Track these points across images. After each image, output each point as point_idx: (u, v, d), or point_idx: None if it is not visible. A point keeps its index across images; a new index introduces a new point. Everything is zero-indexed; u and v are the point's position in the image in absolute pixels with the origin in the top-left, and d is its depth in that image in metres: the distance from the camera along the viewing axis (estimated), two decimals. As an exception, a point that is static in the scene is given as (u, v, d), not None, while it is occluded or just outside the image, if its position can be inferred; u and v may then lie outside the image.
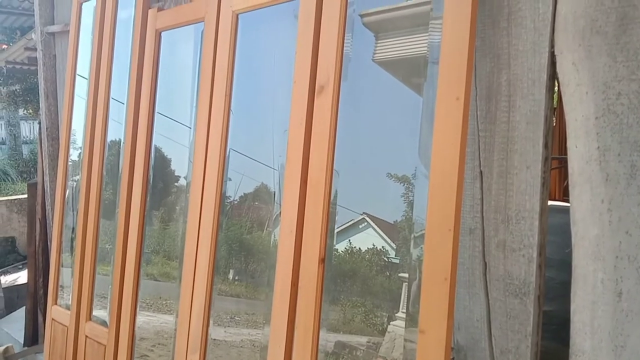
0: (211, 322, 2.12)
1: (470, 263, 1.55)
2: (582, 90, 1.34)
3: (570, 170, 1.37)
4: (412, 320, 1.52)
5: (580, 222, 1.35)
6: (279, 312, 1.80)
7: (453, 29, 1.44)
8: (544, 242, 1.43)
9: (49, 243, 3.69)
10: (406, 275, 1.58)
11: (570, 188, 1.37)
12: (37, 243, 3.86)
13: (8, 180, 13.48)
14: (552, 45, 1.39)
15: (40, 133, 3.72)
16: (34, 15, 3.75)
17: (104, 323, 2.73)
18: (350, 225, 1.76)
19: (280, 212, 1.89)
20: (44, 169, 3.67)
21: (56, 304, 3.15)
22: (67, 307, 3.01)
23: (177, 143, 2.55)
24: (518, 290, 1.45)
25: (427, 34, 1.56)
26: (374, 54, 1.77)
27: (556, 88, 1.47)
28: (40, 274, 3.82)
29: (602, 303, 1.31)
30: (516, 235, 1.45)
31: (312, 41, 1.80)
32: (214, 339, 2.15)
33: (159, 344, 2.48)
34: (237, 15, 2.10)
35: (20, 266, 6.93)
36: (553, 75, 1.41)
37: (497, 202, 1.49)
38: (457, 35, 1.42)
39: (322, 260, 1.72)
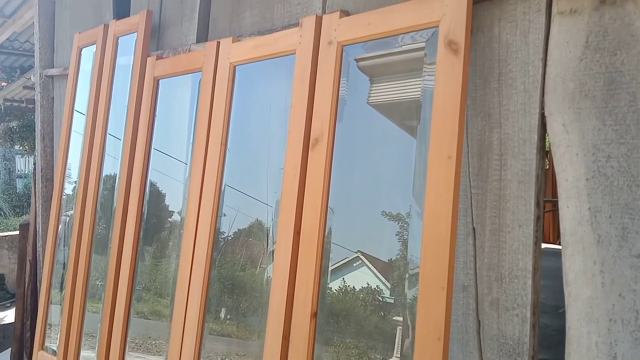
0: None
1: (464, 321, 1.54)
2: (572, 152, 1.36)
3: (562, 230, 1.37)
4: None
5: (573, 283, 1.34)
6: (269, 366, 1.77)
7: (445, 89, 1.47)
8: (537, 302, 1.42)
9: (38, 285, 3.63)
10: (401, 318, 1.57)
11: (562, 248, 1.37)
12: (26, 284, 3.80)
13: (1, 215, 13.39)
14: (542, 107, 1.42)
15: (34, 174, 3.71)
16: (33, 55, 3.80)
17: (91, 370, 2.67)
18: (344, 264, 1.75)
19: (273, 250, 1.88)
20: (37, 210, 3.65)
21: (43, 349, 3.08)
22: (54, 352, 2.94)
23: (171, 178, 2.56)
24: (512, 350, 1.44)
25: (420, 79, 1.59)
26: (369, 96, 1.80)
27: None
28: (28, 317, 3.74)
29: (596, 366, 1.29)
30: (509, 294, 1.45)
31: (307, 95, 1.83)
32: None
33: (146, 387, 2.42)
34: (235, 67, 2.14)
35: (8, 304, 6.78)
36: (544, 136, 1.44)
37: (490, 259, 1.49)
38: (449, 95, 1.45)
39: (314, 315, 1.70)
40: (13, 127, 8.52)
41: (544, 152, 1.45)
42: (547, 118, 1.41)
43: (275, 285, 1.82)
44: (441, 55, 1.49)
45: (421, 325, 1.41)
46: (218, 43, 2.20)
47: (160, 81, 2.54)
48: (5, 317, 6.14)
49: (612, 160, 1.29)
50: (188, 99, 2.47)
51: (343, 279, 1.74)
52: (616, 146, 1.29)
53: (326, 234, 1.74)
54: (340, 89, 1.77)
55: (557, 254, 1.61)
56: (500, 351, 1.45)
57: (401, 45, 1.67)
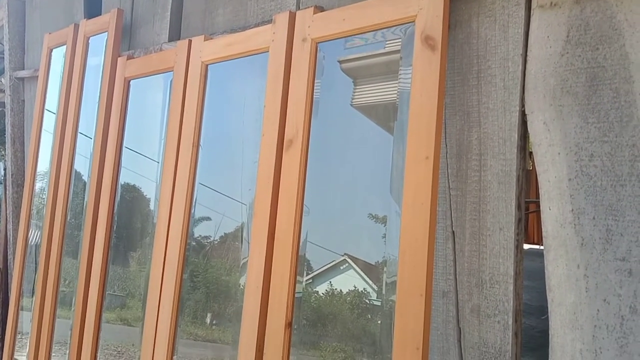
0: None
1: (444, 328, 1.47)
2: (554, 151, 1.30)
3: (544, 233, 1.31)
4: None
5: (556, 289, 1.28)
6: (243, 378, 1.69)
7: (422, 86, 1.40)
8: (519, 308, 1.36)
9: (9, 293, 3.50)
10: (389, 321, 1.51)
11: (545, 252, 1.31)
12: (-3, 294, 3.67)
13: (-22, 222, 13.09)
14: (522, 104, 1.37)
15: (5, 180, 3.58)
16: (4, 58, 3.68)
17: (61, 383, 2.56)
18: (331, 267, 1.70)
19: (248, 254, 1.81)
20: (7, 217, 3.52)
21: (12, 358, 2.96)
22: (24, 363, 2.82)
23: (144, 178, 2.47)
24: (494, 358, 1.37)
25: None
26: (352, 99, 1.75)
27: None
28: (-1, 326, 3.61)
29: (581, 376, 1.23)
30: (491, 300, 1.38)
31: (281, 94, 1.75)
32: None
33: (128, 395, 2.33)
34: (207, 66, 2.06)
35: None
36: (524, 135, 1.38)
37: (470, 264, 1.43)
38: (426, 93, 1.39)
39: (289, 325, 1.62)
40: (-13, 131, 8.29)
41: (525, 152, 1.39)
42: (527, 116, 1.35)
43: (248, 294, 1.74)
44: (418, 52, 1.43)
45: (399, 334, 1.34)
46: (190, 41, 2.12)
47: (132, 82, 2.45)
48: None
49: (596, 159, 1.24)
50: (160, 100, 2.39)
51: (330, 282, 1.69)
52: (599, 144, 1.24)
53: (301, 238, 1.67)
54: (315, 87, 1.71)
55: (542, 254, 1.55)
56: (482, 359, 1.39)
57: (385, 47, 1.62)
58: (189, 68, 2.11)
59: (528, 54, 1.36)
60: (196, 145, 2.05)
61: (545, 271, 1.31)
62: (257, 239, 1.75)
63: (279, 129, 1.75)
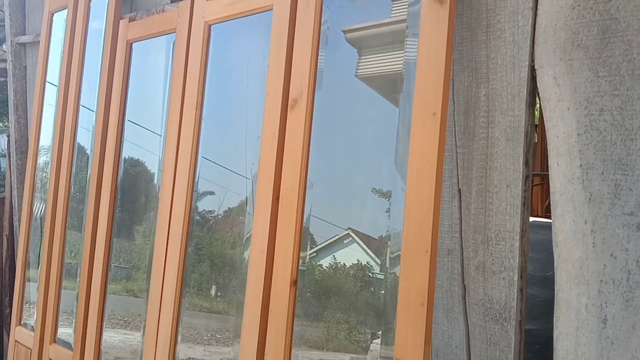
0: (179, 339, 2.01)
1: (449, 286, 1.48)
2: (563, 106, 1.28)
3: (552, 189, 1.31)
4: (388, 337, 1.45)
5: (562, 244, 1.28)
6: (248, 336, 1.70)
7: (430, 42, 1.38)
8: (525, 265, 1.36)
9: (16, 260, 3.54)
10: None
11: (552, 208, 1.31)
12: (3, 260, 3.70)
13: (-16, 194, 13.20)
14: (532, 59, 1.34)
15: (8, 146, 3.58)
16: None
17: (68, 345, 2.59)
18: (334, 241, 1.70)
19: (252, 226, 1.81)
20: (12, 184, 3.53)
21: (20, 324, 3.00)
22: (32, 328, 2.86)
23: (147, 151, 2.46)
24: (499, 315, 1.38)
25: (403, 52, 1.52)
26: (357, 69, 1.72)
27: (538, 104, 1.41)
28: (7, 293, 3.65)
29: (586, 330, 1.24)
30: (496, 257, 1.38)
31: (285, 53, 1.73)
32: (193, 358, 2.05)
33: (134, 364, 2.37)
34: (210, 26, 2.03)
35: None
36: (533, 90, 1.36)
37: (476, 221, 1.42)
38: (434, 48, 1.36)
39: (294, 283, 1.63)
40: (-9, 102, 8.27)
41: (534, 108, 1.37)
42: (537, 71, 1.33)
43: (254, 254, 1.75)
44: (426, 5, 1.40)
45: (404, 291, 1.34)
46: (192, 1, 2.09)
47: (134, 44, 2.42)
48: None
49: (606, 114, 1.22)
50: (162, 64, 2.36)
51: (334, 255, 1.69)
52: (610, 98, 1.22)
53: (305, 212, 1.66)
54: (319, 58, 1.67)
55: (546, 227, 1.55)
56: (487, 316, 1.40)
57: (390, 16, 1.59)
58: (192, 28, 2.07)
59: (538, 7, 1.33)
60: (200, 107, 2.03)
61: (552, 227, 1.31)
62: (262, 200, 1.75)
63: (283, 88, 1.72)
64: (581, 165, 1.25)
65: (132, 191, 2.50)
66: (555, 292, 1.30)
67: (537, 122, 1.39)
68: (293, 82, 1.70)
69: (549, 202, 1.34)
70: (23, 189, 3.27)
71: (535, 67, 1.33)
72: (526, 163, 1.35)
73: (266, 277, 1.69)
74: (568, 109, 1.27)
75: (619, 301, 1.19)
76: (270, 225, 1.71)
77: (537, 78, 1.33)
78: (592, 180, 1.23)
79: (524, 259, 1.35)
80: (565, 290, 1.27)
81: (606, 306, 1.21)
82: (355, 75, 1.73)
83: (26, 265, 3.03)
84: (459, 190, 1.46)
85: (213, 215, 2.15)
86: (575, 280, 1.25)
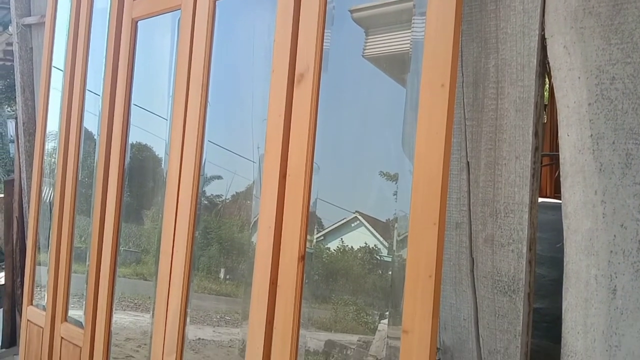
0: (188, 320, 2.03)
1: (457, 259, 1.47)
2: (574, 75, 1.26)
3: (561, 161, 1.29)
4: (396, 318, 1.45)
5: (572, 215, 1.27)
6: (257, 311, 1.71)
7: (438, 12, 1.35)
8: (534, 237, 1.35)
9: (26, 242, 3.57)
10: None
11: (562, 179, 1.29)
12: (14, 242, 3.74)
13: (-6, 179, 13.33)
14: (542, 28, 1.32)
15: (16, 128, 3.59)
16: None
17: (79, 324, 2.63)
18: (342, 224, 1.70)
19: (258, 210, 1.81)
20: (21, 166, 3.55)
21: (32, 304, 3.04)
22: (44, 308, 2.90)
23: (164, 141, 2.46)
24: (507, 287, 1.37)
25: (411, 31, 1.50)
26: (364, 49, 1.70)
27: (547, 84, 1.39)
28: (18, 274, 3.70)
29: (595, 300, 1.23)
30: (505, 229, 1.37)
31: (292, 28, 1.71)
32: (202, 339, 2.07)
33: (144, 344, 2.40)
34: (215, 3, 2.01)
35: (4, 267, 6.77)
36: (544, 60, 1.34)
37: (485, 194, 1.41)
38: (443, 18, 1.34)
39: (302, 258, 1.63)
40: (-1, 87, 8.30)
41: (544, 78, 1.35)
42: (547, 40, 1.31)
43: (261, 230, 1.75)
44: (434, -26, 1.37)
45: (412, 263, 1.34)
46: (197, -23, 2.06)
47: (139, 23, 2.40)
48: (0, 278, 6.12)
49: (617, 82, 1.20)
50: (168, 44, 2.34)
51: (341, 239, 1.69)
52: (622, 66, 1.19)
53: (312, 196, 1.66)
54: (325, 38, 1.65)
55: (554, 207, 1.53)
56: (495, 288, 1.39)
57: None
58: (197, 5, 2.05)
59: (549, -26, 1.30)
60: (205, 85, 2.02)
61: (562, 199, 1.29)
62: (269, 177, 1.74)
63: (290, 63, 1.71)
64: (592, 135, 1.23)
65: (141, 176, 2.51)
66: (565, 263, 1.29)
67: (546, 102, 1.36)
68: (299, 56, 1.68)
69: (558, 173, 1.32)
70: (32, 171, 3.29)
71: (546, 36, 1.31)
72: (536, 134, 1.33)
73: (274, 253, 1.69)
74: (579, 78, 1.25)
75: (629, 271, 1.18)
76: (278, 202, 1.70)
77: (547, 47, 1.31)
78: (602, 150, 1.22)
79: (532, 231, 1.34)
80: (575, 262, 1.27)
81: (616, 277, 1.20)
82: (362, 56, 1.71)
83: (36, 246, 3.06)
84: (468, 163, 1.44)
85: (221, 199, 2.15)
86: (585, 252, 1.24)
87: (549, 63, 1.33)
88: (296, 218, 1.65)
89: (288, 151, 1.70)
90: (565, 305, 1.28)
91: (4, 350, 3.82)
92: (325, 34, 1.65)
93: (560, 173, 1.30)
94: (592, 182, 1.23)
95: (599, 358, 1.23)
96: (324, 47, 1.65)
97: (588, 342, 1.24)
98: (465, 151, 1.45)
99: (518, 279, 1.35)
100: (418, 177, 1.35)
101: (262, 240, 1.74)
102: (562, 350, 1.29)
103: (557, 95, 1.29)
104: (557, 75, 1.29)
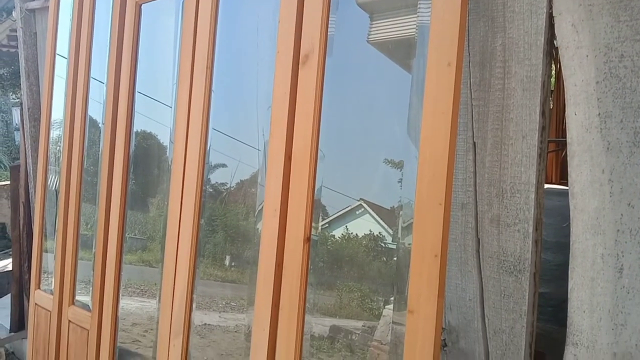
0: (194, 306, 2.04)
1: (463, 239, 1.47)
2: (582, 53, 1.25)
3: (569, 140, 1.28)
4: (401, 303, 1.46)
5: (579, 195, 1.26)
6: (262, 294, 1.72)
7: (444, -10, 1.34)
8: (540, 217, 1.35)
9: (33, 227, 3.59)
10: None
11: (569, 158, 1.28)
12: (21, 227, 3.77)
13: (0, 167, 13.37)
14: (550, 6, 1.30)
15: (21, 114, 3.60)
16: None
17: (87, 307, 2.65)
18: (347, 212, 1.71)
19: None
20: (27, 151, 3.56)
21: (39, 288, 3.06)
22: (51, 292, 2.92)
23: (169, 128, 2.46)
24: (513, 267, 1.37)
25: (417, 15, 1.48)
26: (369, 35, 1.69)
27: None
28: (25, 259, 3.73)
29: (601, 280, 1.23)
30: (511, 209, 1.37)
31: (296, 8, 1.69)
32: (208, 324, 2.09)
33: (151, 329, 2.43)
34: (219, -16, 1.99)
35: (12, 252, 6.84)
36: (551, 39, 1.32)
37: (491, 174, 1.41)
38: (449, -4, 1.33)
39: (308, 239, 1.63)
40: (3, 74, 8.29)
41: (551, 57, 1.34)
42: (555, 18, 1.29)
43: (267, 213, 1.75)
44: (440, -48, 1.35)
45: (417, 243, 1.34)
46: (201, -42, 2.04)
47: (143, 7, 2.39)
48: (8, 264, 6.17)
49: (626, 60, 1.19)
50: (172, 28, 2.33)
51: (346, 226, 1.70)
52: (630, 44, 1.18)
53: (317, 182, 1.65)
54: (330, 23, 1.64)
55: (560, 193, 1.53)
56: (501, 268, 1.39)
57: None
58: (201, -14, 2.04)
59: (558, -49, 1.28)
60: (209, 78, 2.01)
61: (569, 178, 1.29)
62: (274, 159, 1.74)
63: (294, 44, 1.70)
64: (599, 114, 1.22)
65: (146, 164, 2.52)
66: (571, 243, 1.28)
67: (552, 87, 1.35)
68: (304, 37, 1.67)
69: (564, 159, 1.31)
70: (37, 156, 3.30)
71: (554, 14, 1.29)
72: (543, 113, 1.32)
73: (280, 236, 1.70)
74: (587, 56, 1.24)
75: (636, 250, 1.18)
76: (283, 184, 1.70)
77: (555, 25, 1.29)
78: (610, 128, 1.21)
79: (539, 211, 1.34)
80: (581, 241, 1.26)
81: (622, 256, 1.20)
82: (367, 41, 1.70)
83: (43, 229, 3.08)
84: (474, 143, 1.44)
85: (226, 187, 2.16)
86: (592, 231, 1.24)
87: (556, 41, 1.31)
88: (301, 200, 1.65)
89: (293, 133, 1.70)
90: (571, 284, 1.28)
91: (12, 334, 3.87)
92: (330, 19, 1.64)
93: (567, 152, 1.29)
94: (600, 161, 1.23)
95: (604, 337, 1.23)
96: (328, 32, 1.64)
97: (594, 321, 1.24)
98: (472, 131, 1.44)
99: (524, 258, 1.35)
100: (424, 158, 1.35)
101: (267, 223, 1.74)
102: (567, 330, 1.30)
103: (564, 73, 1.28)
104: (565, 53, 1.27)
